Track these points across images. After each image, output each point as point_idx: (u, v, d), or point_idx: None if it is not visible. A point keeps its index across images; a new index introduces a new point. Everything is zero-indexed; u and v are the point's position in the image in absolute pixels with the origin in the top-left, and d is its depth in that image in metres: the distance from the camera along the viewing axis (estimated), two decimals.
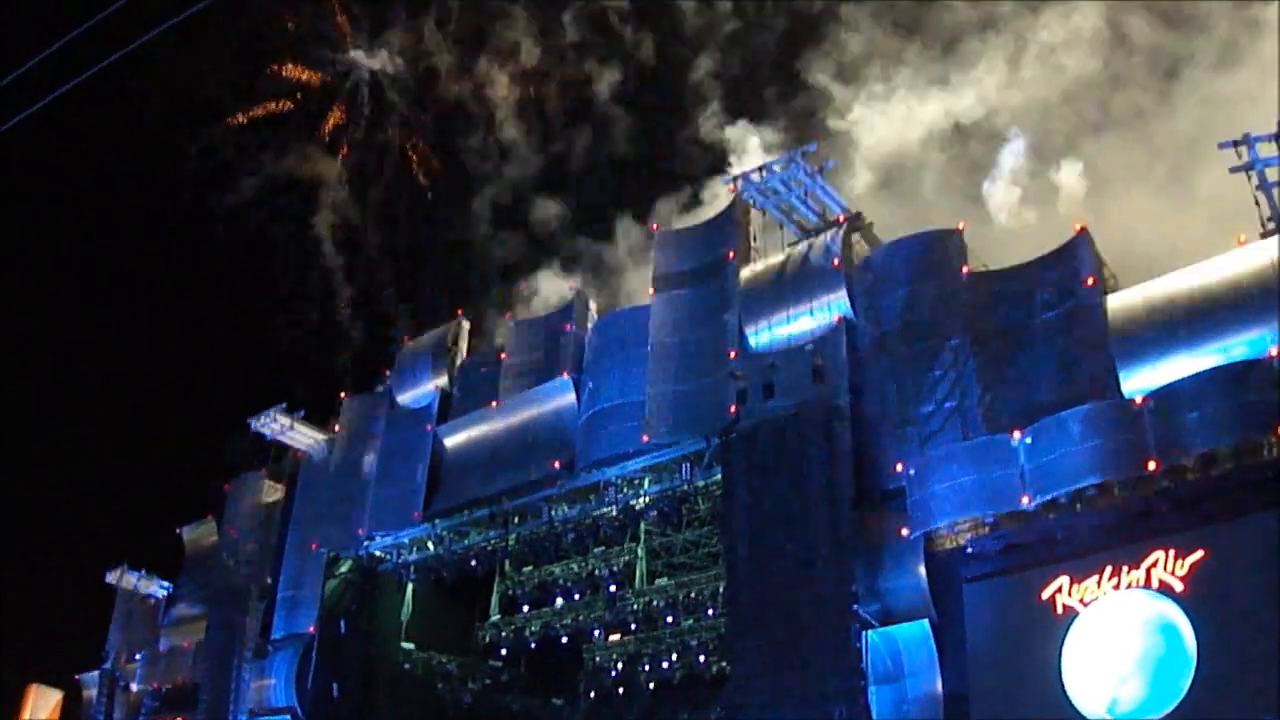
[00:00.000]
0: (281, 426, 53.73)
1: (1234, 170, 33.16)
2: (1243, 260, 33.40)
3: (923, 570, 35.71)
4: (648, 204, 60.52)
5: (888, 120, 54.12)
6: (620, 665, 49.00)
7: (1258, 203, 33.58)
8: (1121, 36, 51.42)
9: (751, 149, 51.64)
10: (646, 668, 48.00)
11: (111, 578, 60.63)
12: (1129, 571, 31.88)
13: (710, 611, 45.07)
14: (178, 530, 60.74)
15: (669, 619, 46.27)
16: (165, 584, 60.45)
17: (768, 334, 41.95)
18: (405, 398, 52.77)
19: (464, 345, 53.18)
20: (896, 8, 58.87)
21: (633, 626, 47.46)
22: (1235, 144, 32.94)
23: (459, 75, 67.09)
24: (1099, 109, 49.94)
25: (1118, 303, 35.70)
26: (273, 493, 56.17)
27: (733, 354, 41.92)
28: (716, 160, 53.79)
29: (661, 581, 47.21)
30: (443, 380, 52.00)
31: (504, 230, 68.71)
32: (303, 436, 54.37)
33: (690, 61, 63.01)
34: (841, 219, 41.80)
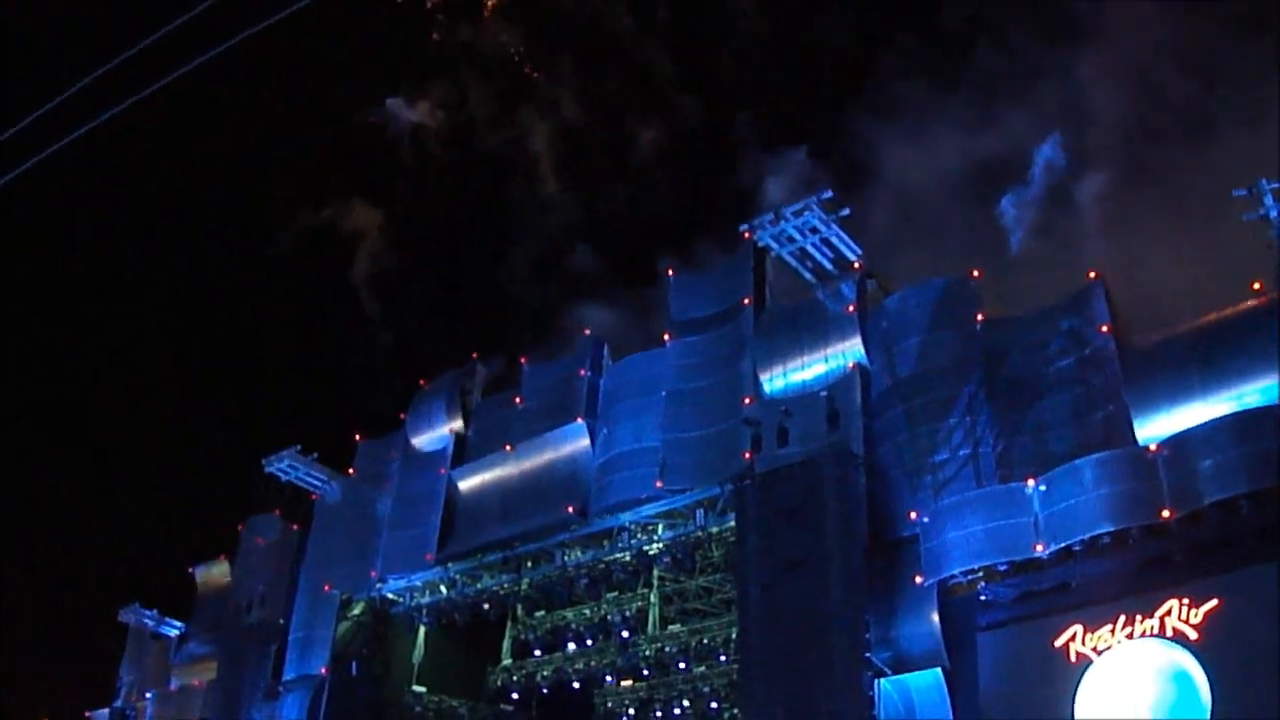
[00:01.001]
0: (295, 468, 53.78)
1: (1247, 218, 33.27)
2: (1257, 307, 33.49)
3: (936, 618, 35.52)
4: (688, 246, 60.65)
5: (918, 162, 54.49)
6: (632, 711, 48.84)
7: (1270, 247, 33.63)
8: (1155, 88, 51.58)
9: (788, 175, 52.04)
10: (658, 714, 47.83)
11: (124, 616, 60.67)
12: (1143, 620, 31.75)
13: (723, 658, 44.87)
14: (190, 569, 60.81)
15: (681, 665, 46.04)
16: (177, 623, 60.44)
17: (782, 380, 42.01)
18: (420, 440, 52.90)
19: (479, 388, 53.33)
20: (934, 56, 59.23)
21: (645, 672, 47.23)
22: (1249, 191, 33.07)
23: (499, 127, 67.59)
24: (1128, 159, 50.02)
25: (1132, 350, 35.75)
26: (286, 534, 56.14)
27: (747, 400, 42.02)
28: (754, 203, 53.90)
29: (674, 627, 47.06)
30: (457, 423, 52.16)
31: (542, 276, 68.93)
32: (316, 478, 54.41)
33: (731, 113, 63.33)
34: (857, 265, 41.91)
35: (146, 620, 60.49)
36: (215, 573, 59.60)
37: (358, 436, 55.55)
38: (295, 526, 55.93)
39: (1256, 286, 33.70)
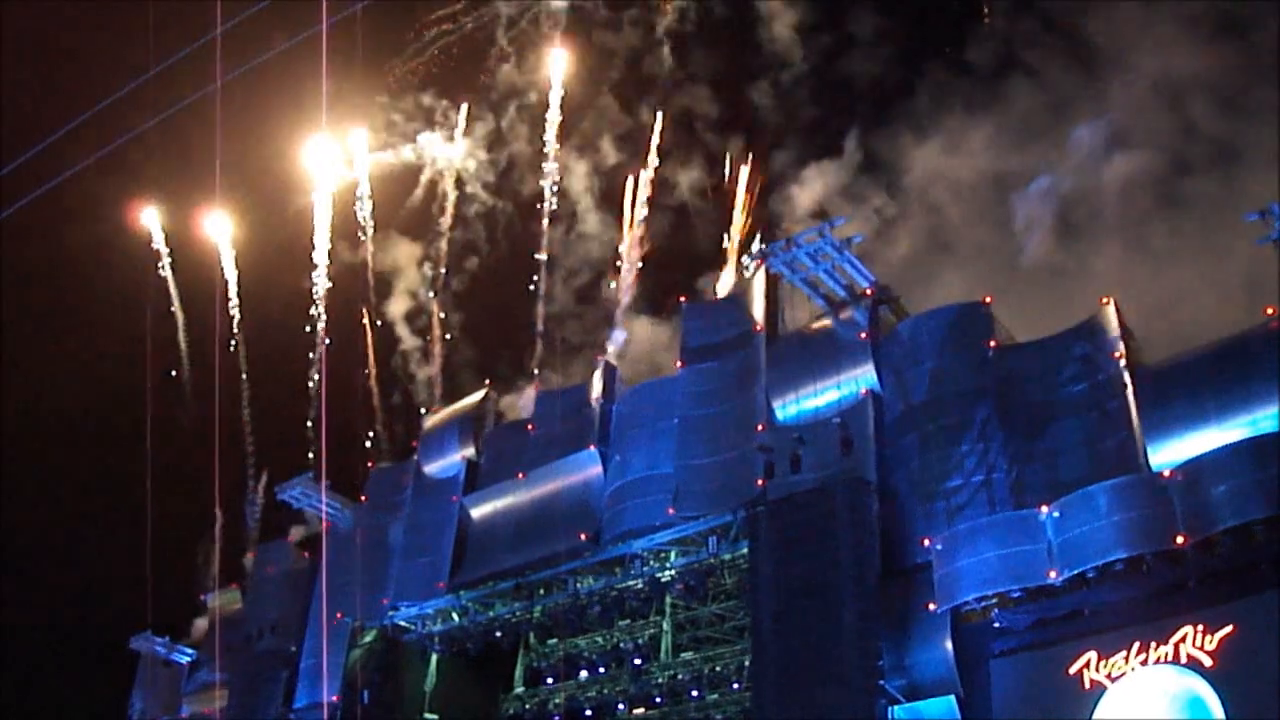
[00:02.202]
0: (308, 495, 53.78)
1: (1260, 242, 33.23)
2: (1269, 333, 33.44)
3: (949, 645, 35.42)
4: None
5: (948, 188, 54.77)
6: None
7: None
8: (1186, 123, 51.69)
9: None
10: None
11: (135, 643, 60.55)
12: (1157, 647, 31.71)
13: (735, 686, 44.67)
14: (202, 597, 60.76)
15: (694, 693, 45.84)
16: (189, 651, 60.30)
17: (795, 407, 42.05)
18: (432, 468, 52.88)
19: (492, 416, 53.48)
20: (963, 88, 59.36)
21: (657, 700, 46.92)
22: (1261, 215, 33.03)
23: (538, 167, 67.43)
24: (1152, 183, 50.21)
25: (1144, 375, 35.74)
26: (298, 561, 56.11)
27: (760, 427, 42.02)
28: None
29: (687, 655, 46.89)
30: (470, 451, 52.14)
31: (581, 306, 68.52)
32: (329, 506, 54.38)
33: (768, 147, 63.23)
34: (869, 291, 41.92)
35: (158, 647, 60.40)
36: (227, 600, 59.56)
37: (370, 464, 55.61)
38: (307, 554, 55.90)
39: (1270, 312, 33.69)
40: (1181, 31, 52.15)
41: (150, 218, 66.75)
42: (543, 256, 63.87)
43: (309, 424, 63.08)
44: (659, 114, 63.31)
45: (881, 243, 44.53)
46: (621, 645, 47.33)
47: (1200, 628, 31.01)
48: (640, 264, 60.99)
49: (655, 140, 62.75)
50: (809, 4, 62.00)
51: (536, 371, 59.77)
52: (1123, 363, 35.95)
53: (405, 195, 68.24)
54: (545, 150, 63.78)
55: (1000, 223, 51.77)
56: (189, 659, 60.20)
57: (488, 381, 55.30)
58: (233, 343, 66.11)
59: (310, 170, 61.63)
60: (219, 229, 65.65)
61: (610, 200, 64.81)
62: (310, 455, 60.22)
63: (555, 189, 64.10)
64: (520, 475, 48.81)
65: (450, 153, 66.91)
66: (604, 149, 64.99)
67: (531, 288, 63.74)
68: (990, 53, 58.29)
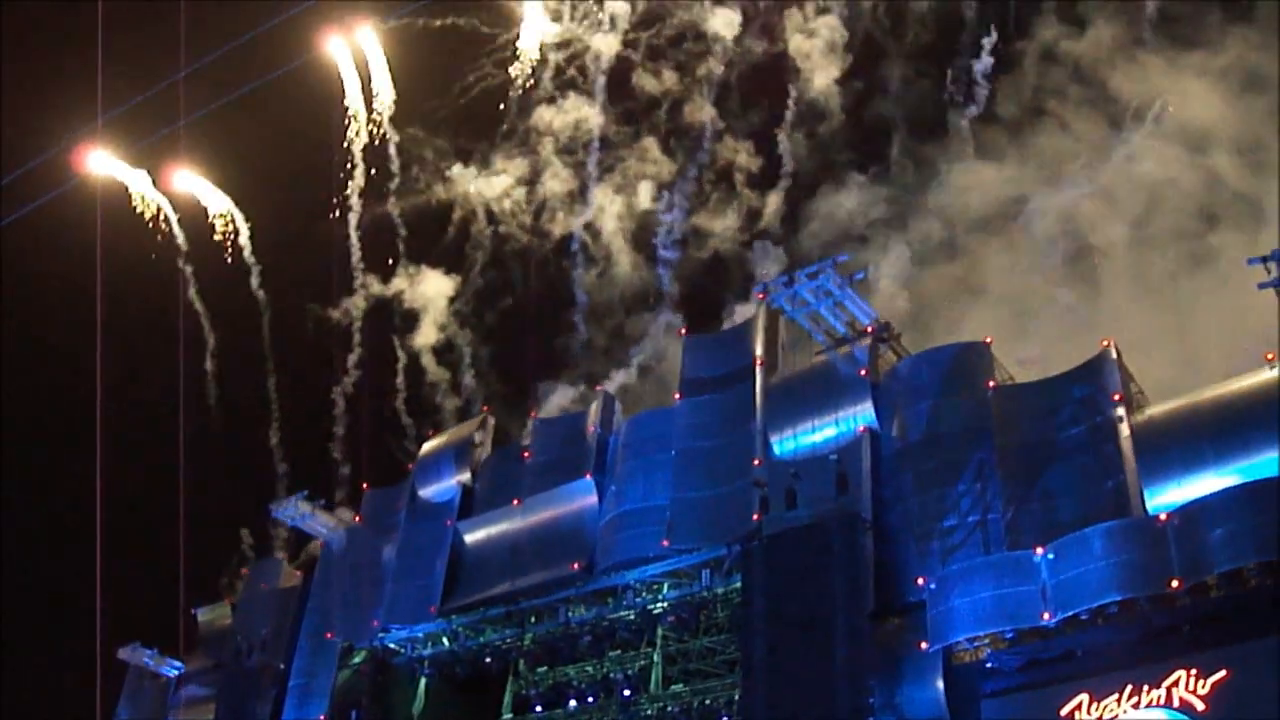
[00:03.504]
0: (302, 514, 53.77)
1: (1262, 286, 33.42)
2: (1269, 378, 33.66)
3: (941, 684, 35.40)
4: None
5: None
6: None
7: None
8: (1213, 178, 52.14)
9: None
10: None
11: (123, 654, 60.24)
12: (1149, 690, 31.67)
13: (725, 719, 44.56)
14: (193, 611, 60.47)
15: None
16: (177, 664, 60.01)
17: (792, 442, 42.18)
18: (427, 492, 52.82)
19: (489, 442, 53.51)
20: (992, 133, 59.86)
21: None
22: (1264, 260, 33.26)
23: (572, 206, 67.70)
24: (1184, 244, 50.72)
25: (1144, 419, 35.90)
26: (290, 579, 56.05)
27: (757, 461, 42.11)
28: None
29: (677, 688, 46.50)
30: (465, 476, 52.16)
31: (611, 340, 68.64)
32: (323, 526, 54.36)
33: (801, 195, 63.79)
34: (869, 329, 42.10)
35: (146, 659, 60.09)
36: (217, 614, 59.33)
37: (365, 485, 55.61)
38: (299, 572, 55.84)
39: (1270, 358, 33.89)
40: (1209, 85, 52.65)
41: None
42: (578, 274, 64.25)
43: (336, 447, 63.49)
44: (697, 162, 64.00)
45: (908, 280, 44.55)
46: (611, 675, 46.95)
47: (1193, 672, 30.98)
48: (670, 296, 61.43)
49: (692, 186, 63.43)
50: (845, 54, 62.51)
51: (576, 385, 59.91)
52: (1121, 406, 36.14)
53: (438, 230, 68.67)
54: (580, 189, 64.43)
55: (1027, 268, 52.25)
56: (177, 672, 59.91)
57: (485, 408, 55.35)
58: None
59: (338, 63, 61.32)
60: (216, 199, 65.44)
61: (644, 243, 65.36)
62: (347, 471, 60.67)
63: (586, 229, 64.69)
64: (516, 502, 48.81)
65: (485, 188, 67.17)
66: (641, 191, 65.36)
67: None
68: (1017, 103, 58.87)
